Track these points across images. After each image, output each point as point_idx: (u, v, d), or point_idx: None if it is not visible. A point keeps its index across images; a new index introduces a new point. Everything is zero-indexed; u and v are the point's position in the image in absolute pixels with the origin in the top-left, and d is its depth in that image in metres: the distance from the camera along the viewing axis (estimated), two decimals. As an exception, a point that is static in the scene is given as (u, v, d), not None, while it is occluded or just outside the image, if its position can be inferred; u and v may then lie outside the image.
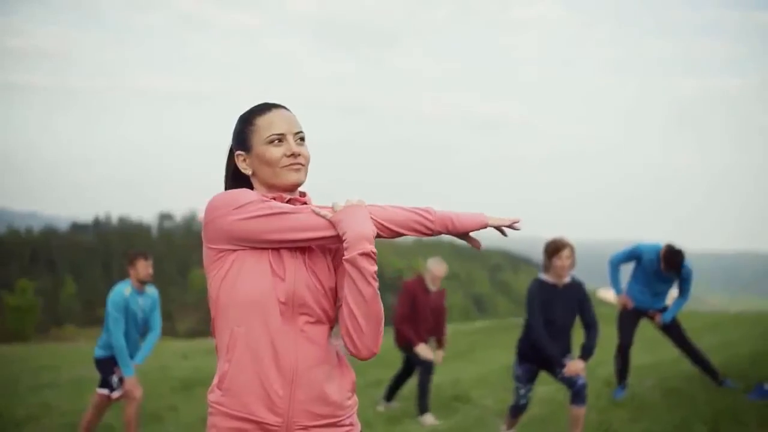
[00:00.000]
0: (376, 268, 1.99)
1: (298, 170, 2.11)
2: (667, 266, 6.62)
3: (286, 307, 2.03)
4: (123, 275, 6.40)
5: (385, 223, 2.06)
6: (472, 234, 2.15)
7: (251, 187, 2.16)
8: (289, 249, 2.05)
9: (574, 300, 5.29)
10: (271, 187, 2.13)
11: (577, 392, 5.18)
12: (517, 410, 5.63)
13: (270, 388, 2.01)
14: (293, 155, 2.09)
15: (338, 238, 2.03)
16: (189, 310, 58.52)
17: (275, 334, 2.02)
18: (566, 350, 5.31)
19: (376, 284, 1.99)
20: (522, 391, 5.48)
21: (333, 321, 2.12)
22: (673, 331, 6.96)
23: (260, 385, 2.02)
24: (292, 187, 2.13)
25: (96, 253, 70.85)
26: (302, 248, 2.08)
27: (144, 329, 6.32)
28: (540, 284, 5.29)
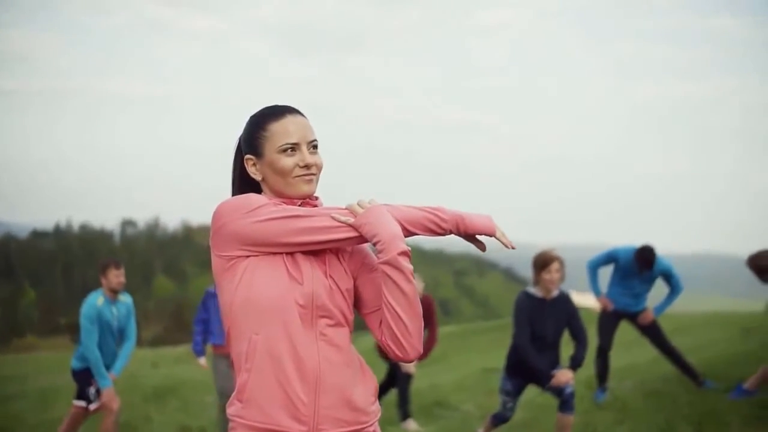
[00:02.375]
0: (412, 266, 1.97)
1: (309, 181, 2.05)
2: (640, 265, 6.67)
3: (306, 311, 1.97)
4: (85, 283, 6.33)
5: (403, 223, 2.02)
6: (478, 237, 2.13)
7: (260, 192, 2.10)
8: (304, 252, 2.00)
9: (562, 313, 5.25)
10: (280, 195, 2.07)
11: (565, 400, 5.14)
12: (500, 420, 5.56)
13: (293, 395, 1.94)
14: (306, 166, 2.03)
15: (357, 240, 1.99)
16: (153, 318, 57.69)
17: (296, 339, 1.95)
18: (555, 363, 5.27)
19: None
20: (509, 405, 5.43)
21: (352, 324, 2.07)
22: (652, 332, 7.00)
23: (283, 392, 1.94)
24: (304, 197, 2.07)
25: (56, 260, 69.62)
26: (317, 251, 2.02)
27: (119, 338, 6.20)
28: (528, 298, 5.23)
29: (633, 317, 6.99)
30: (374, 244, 1.97)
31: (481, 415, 7.08)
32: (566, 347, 5.28)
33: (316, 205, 2.09)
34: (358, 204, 2.01)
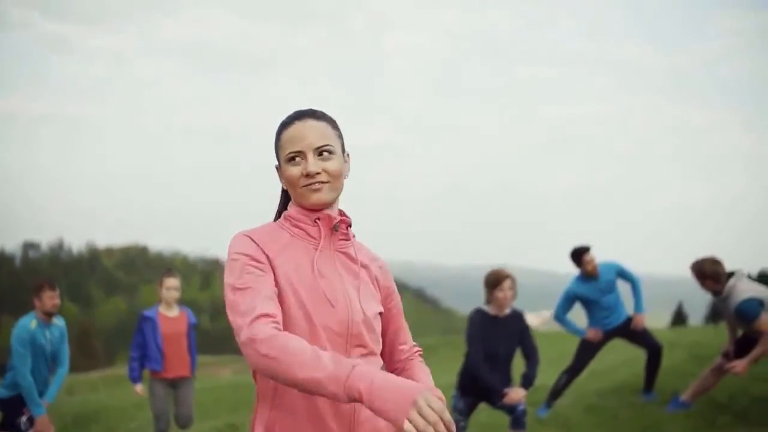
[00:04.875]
0: None
1: (317, 190, 1.89)
2: (579, 266, 6.78)
3: (341, 339, 1.85)
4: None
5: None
6: None
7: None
8: (336, 274, 1.90)
9: (515, 331, 5.29)
10: (300, 205, 1.96)
11: (516, 418, 5.17)
12: None
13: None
14: (309, 175, 1.88)
15: None
16: (57, 344, 55.52)
17: None
18: (507, 381, 5.30)
19: None
20: (462, 424, 5.43)
21: (379, 352, 1.98)
22: (642, 336, 6.96)
23: (316, 430, 1.82)
24: (316, 208, 1.93)
25: (-47, 284, 66.25)
26: (353, 272, 1.94)
27: (52, 364, 5.90)
28: (481, 315, 5.25)
29: (622, 331, 6.95)
30: None
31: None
32: (518, 366, 5.34)
33: (348, 223, 1.98)
34: None
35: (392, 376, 1.58)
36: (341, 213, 2.01)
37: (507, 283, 5.16)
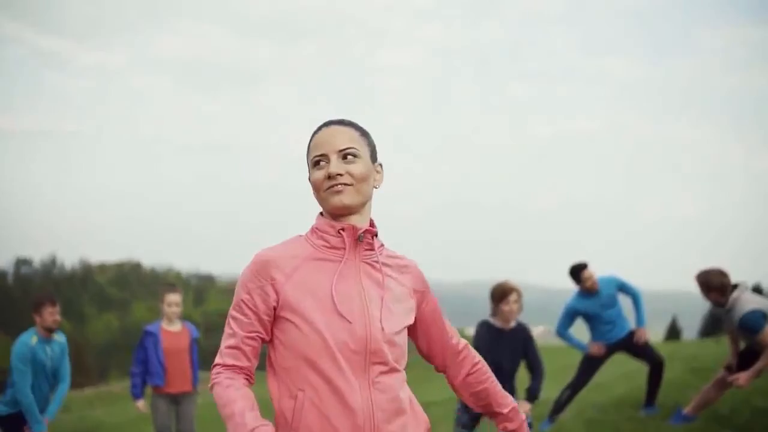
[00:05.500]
0: None
1: (339, 192, 1.87)
2: (578, 283, 6.79)
3: (358, 357, 1.83)
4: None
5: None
6: None
7: None
8: (358, 288, 1.88)
9: (520, 343, 5.30)
10: (326, 214, 1.96)
11: None
12: None
13: None
14: (330, 176, 1.87)
15: None
16: (49, 361, 55.11)
17: (346, 392, 1.80)
18: (512, 394, 5.30)
19: None
20: None
21: (406, 365, 1.95)
22: (644, 350, 6.96)
23: None
24: (339, 211, 1.91)
25: (-56, 301, 65.77)
26: (378, 283, 1.91)
27: (53, 380, 5.87)
28: (488, 328, 5.27)
29: (624, 345, 6.94)
30: None
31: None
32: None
33: (373, 233, 1.96)
34: None
35: None
36: (371, 223, 1.99)
37: (513, 296, 5.18)
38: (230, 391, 1.81)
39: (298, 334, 1.82)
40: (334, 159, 1.89)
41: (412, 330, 2.05)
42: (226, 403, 1.79)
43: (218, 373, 1.88)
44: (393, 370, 1.89)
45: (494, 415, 2.14)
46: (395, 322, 1.91)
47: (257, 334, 1.88)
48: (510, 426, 2.13)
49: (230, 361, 1.88)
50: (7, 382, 5.78)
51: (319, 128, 1.97)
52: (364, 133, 1.98)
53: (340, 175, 1.87)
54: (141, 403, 6.54)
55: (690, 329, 48.78)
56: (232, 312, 1.91)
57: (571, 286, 6.99)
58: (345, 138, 1.91)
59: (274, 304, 1.86)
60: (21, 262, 75.00)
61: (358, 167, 1.89)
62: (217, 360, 1.90)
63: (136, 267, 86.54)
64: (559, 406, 7.02)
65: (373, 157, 1.98)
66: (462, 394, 2.14)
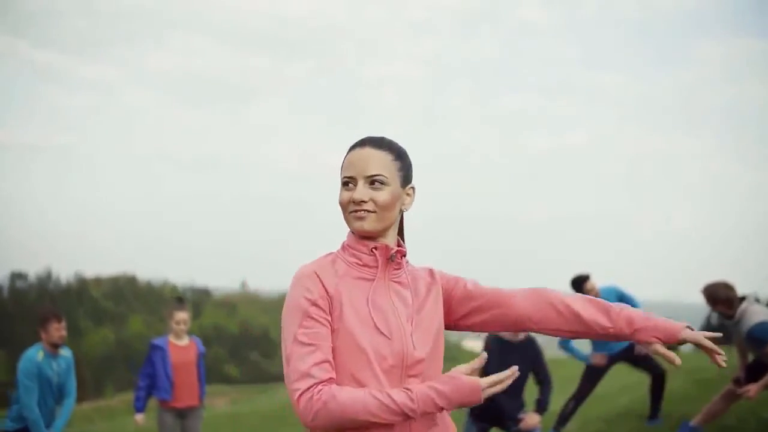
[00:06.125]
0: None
1: (361, 218, 1.89)
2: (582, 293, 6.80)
3: (396, 370, 1.85)
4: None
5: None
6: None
7: None
8: (390, 305, 1.90)
9: (529, 356, 5.33)
10: (355, 233, 1.97)
11: None
12: None
13: None
14: (354, 201, 1.89)
15: None
16: (45, 375, 54.85)
17: None
18: (521, 406, 5.32)
19: None
20: None
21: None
22: (645, 360, 7.01)
23: None
24: (361, 235, 1.94)
25: (-62, 317, 65.53)
26: (406, 301, 1.92)
27: (59, 395, 5.85)
28: (497, 340, 5.29)
29: (626, 355, 6.97)
30: None
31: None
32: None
33: (403, 253, 1.97)
34: None
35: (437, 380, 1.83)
36: (398, 243, 2.01)
37: None
38: (355, 393, 1.77)
39: (341, 348, 1.83)
40: (361, 184, 1.90)
41: (474, 321, 2.05)
42: (365, 402, 1.76)
43: (320, 390, 1.78)
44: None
45: (614, 333, 2.01)
46: (427, 337, 1.92)
47: (331, 344, 1.85)
48: (647, 335, 2.00)
49: (326, 375, 1.80)
50: (12, 397, 5.77)
51: (355, 146, 1.96)
52: (399, 156, 1.97)
53: (364, 201, 1.89)
54: (140, 417, 6.51)
55: (687, 341, 48.77)
56: (303, 327, 1.83)
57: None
58: (375, 164, 1.91)
59: (328, 322, 1.86)
60: (16, 276, 74.70)
61: (383, 195, 1.90)
62: (309, 382, 1.78)
63: (131, 280, 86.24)
64: (564, 418, 7.04)
65: (406, 180, 1.98)
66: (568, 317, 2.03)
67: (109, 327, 73.18)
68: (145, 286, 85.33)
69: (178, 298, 6.86)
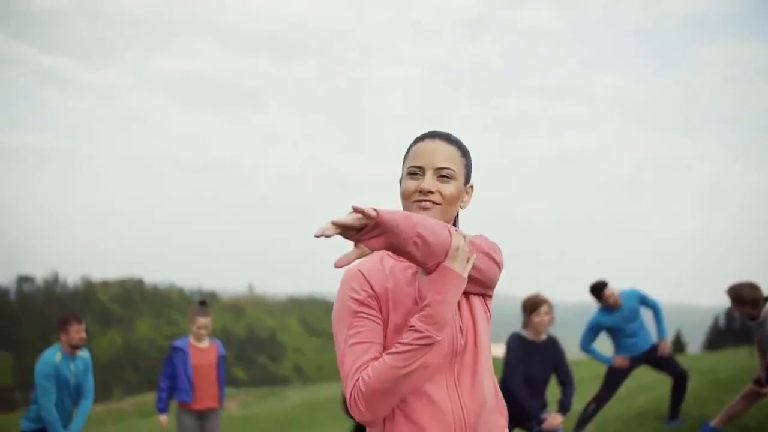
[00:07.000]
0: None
1: (427, 209, 1.88)
2: (599, 301, 6.80)
3: (445, 359, 1.84)
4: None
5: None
6: None
7: None
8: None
9: (551, 356, 5.32)
10: None
11: None
12: None
13: None
14: (422, 191, 1.88)
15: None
16: (52, 379, 54.93)
17: (435, 395, 1.82)
18: (543, 405, 5.31)
19: None
20: None
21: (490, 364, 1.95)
22: (667, 362, 6.99)
23: None
24: None
25: (-54, 319, 65.65)
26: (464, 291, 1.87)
27: (76, 396, 5.86)
28: (519, 340, 5.28)
29: (647, 357, 6.97)
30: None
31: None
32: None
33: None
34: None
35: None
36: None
37: (544, 308, 5.20)
38: (377, 362, 1.76)
39: (396, 341, 1.81)
40: (429, 175, 1.90)
41: None
42: (384, 361, 1.74)
43: (358, 380, 1.77)
44: (477, 367, 1.89)
45: None
46: (476, 324, 1.91)
47: (383, 341, 1.84)
48: None
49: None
50: (31, 398, 5.78)
51: (423, 137, 1.97)
52: (465, 154, 1.99)
53: (432, 192, 1.89)
54: (164, 418, 6.53)
55: (694, 343, 48.72)
56: (353, 327, 1.82)
57: (574, 301, 7.01)
58: (445, 156, 1.92)
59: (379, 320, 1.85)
60: (23, 280, 74.94)
61: (450, 188, 1.91)
62: (356, 379, 1.77)
63: (138, 284, 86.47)
64: (584, 419, 7.01)
65: (468, 178, 1.99)
66: None
67: (116, 330, 73.42)
68: (152, 289, 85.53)
69: (201, 302, 6.77)
